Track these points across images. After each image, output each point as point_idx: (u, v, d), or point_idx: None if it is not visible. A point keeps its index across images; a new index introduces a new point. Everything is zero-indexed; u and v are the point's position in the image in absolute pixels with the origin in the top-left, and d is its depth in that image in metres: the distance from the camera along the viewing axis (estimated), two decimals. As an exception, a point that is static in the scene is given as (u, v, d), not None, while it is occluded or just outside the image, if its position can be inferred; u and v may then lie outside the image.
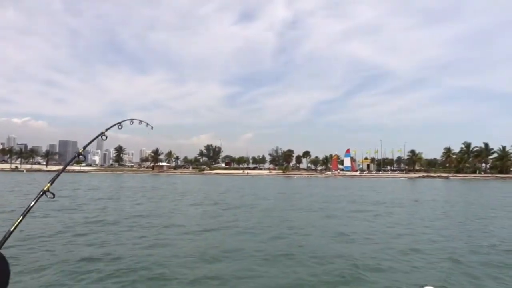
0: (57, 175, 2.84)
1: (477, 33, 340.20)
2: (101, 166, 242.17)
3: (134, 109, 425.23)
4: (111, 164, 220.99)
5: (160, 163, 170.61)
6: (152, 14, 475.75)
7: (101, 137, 3.45)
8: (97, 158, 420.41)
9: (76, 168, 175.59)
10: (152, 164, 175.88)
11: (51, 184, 2.69)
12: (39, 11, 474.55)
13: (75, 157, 3.16)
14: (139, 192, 40.46)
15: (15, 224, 2.42)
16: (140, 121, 4.01)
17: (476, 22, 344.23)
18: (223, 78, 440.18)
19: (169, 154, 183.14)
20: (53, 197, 2.64)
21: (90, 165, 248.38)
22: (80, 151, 3.19)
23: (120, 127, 3.82)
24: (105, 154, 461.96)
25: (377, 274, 9.51)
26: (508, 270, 10.05)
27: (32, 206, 2.58)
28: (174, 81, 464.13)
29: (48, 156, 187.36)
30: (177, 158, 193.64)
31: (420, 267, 10.28)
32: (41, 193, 2.62)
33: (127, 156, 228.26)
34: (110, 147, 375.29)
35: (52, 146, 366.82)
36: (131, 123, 3.90)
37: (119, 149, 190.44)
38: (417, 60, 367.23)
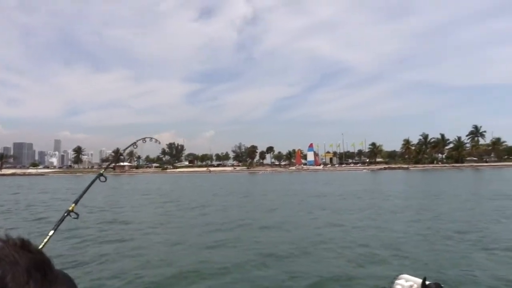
0: (81, 196, 2.83)
1: (430, 29, 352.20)
2: (60, 168, 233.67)
3: (92, 108, 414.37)
4: (70, 166, 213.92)
5: (122, 163, 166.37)
6: (109, 10, 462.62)
7: (119, 156, 3.20)
8: (54, 160, 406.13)
9: (33, 171, 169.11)
10: (113, 165, 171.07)
11: (75, 204, 2.70)
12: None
13: (95, 179, 3.09)
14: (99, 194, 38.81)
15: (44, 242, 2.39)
16: (151, 139, 4.23)
17: (429, 17, 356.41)
18: (184, 75, 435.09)
19: (131, 154, 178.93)
20: (77, 218, 2.64)
21: (47, 167, 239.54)
22: (102, 172, 3.12)
23: (135, 146, 3.98)
24: (63, 156, 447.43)
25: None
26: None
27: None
28: (134, 79, 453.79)
29: (2, 159, 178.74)
30: (139, 157, 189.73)
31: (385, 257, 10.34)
32: (65, 214, 2.62)
33: (86, 157, 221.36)
34: (68, 148, 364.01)
35: (6, 148, 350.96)
36: (144, 141, 4.10)
37: (78, 150, 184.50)
38: (374, 55, 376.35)
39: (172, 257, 10.75)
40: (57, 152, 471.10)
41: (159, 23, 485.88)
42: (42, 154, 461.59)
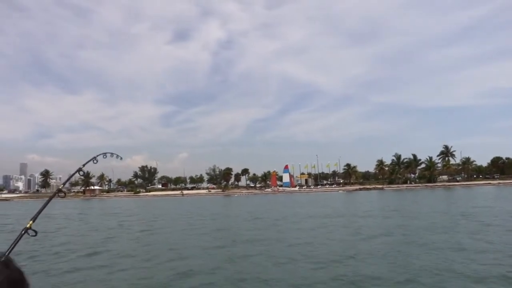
0: (39, 212, 2.57)
1: (396, 53, 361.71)
2: (26, 192, 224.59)
3: (62, 131, 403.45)
4: (37, 190, 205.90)
5: (92, 187, 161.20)
6: (81, 33, 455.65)
7: (78, 172, 3.39)
8: (20, 184, 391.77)
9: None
10: (83, 188, 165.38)
11: (33, 221, 2.45)
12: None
13: (53, 195, 2.88)
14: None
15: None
16: (112, 154, 4.11)
17: (395, 42, 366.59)
18: (157, 98, 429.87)
19: (101, 177, 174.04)
20: (35, 235, 2.37)
21: (13, 191, 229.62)
22: (60, 187, 2.96)
23: (95, 161, 3.69)
24: (29, 180, 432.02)
25: None
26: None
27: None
28: (106, 101, 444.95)
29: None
30: (110, 181, 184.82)
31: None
32: (23, 231, 2.38)
33: (54, 181, 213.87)
34: (35, 172, 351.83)
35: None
36: (105, 156, 3.95)
37: (46, 174, 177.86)
38: (344, 78, 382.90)
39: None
40: (23, 176, 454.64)
41: (132, 45, 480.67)
42: (7, 178, 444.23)
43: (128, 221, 36.62)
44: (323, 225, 25.12)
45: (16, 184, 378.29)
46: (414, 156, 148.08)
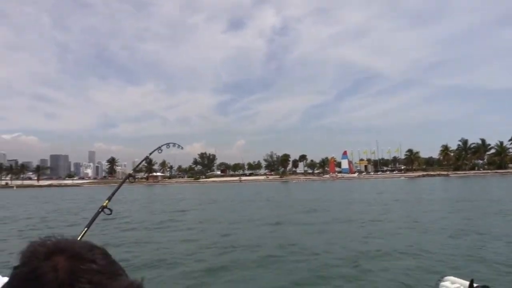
0: (113, 193, 3.05)
1: (462, 33, 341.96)
2: (94, 179, 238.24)
3: (125, 121, 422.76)
4: (104, 177, 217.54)
5: (155, 173, 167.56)
6: (141, 26, 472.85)
7: (146, 161, 3.95)
8: (89, 171, 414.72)
9: (68, 182, 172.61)
10: (146, 175, 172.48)
11: (109, 201, 2.89)
12: (27, 27, 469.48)
13: (126, 178, 3.41)
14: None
15: (80, 236, 2.51)
16: (174, 144, 4.46)
17: (460, 22, 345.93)
18: (214, 87, 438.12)
19: (163, 164, 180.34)
20: (110, 213, 2.81)
21: (82, 178, 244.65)
22: (131, 172, 3.58)
23: (160, 151, 4.16)
24: (97, 167, 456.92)
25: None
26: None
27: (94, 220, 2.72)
28: (165, 92, 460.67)
29: (39, 171, 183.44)
30: (171, 167, 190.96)
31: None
32: (100, 209, 2.78)
33: (120, 168, 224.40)
34: (102, 159, 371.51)
35: (43, 161, 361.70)
36: (168, 146, 4.31)
37: (112, 161, 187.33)
38: (405, 61, 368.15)
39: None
40: (91, 163, 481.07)
41: (189, 36, 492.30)
42: (77, 165, 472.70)
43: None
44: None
45: (85, 171, 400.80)
46: (483, 140, 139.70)
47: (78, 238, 2.23)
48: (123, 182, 3.28)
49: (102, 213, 2.75)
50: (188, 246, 13.70)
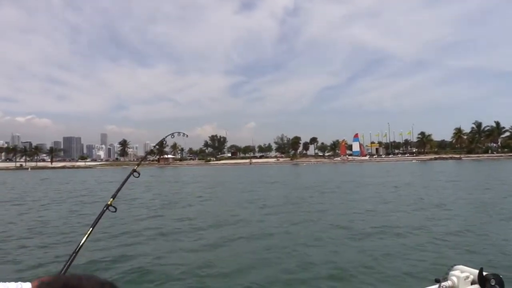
0: (118, 191, 2.98)
1: (476, 14, 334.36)
2: (106, 160, 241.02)
3: (137, 103, 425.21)
4: (117, 159, 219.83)
5: (166, 156, 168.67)
6: (152, 6, 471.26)
7: (153, 150, 3.50)
8: (102, 153, 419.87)
9: (81, 163, 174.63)
10: (157, 157, 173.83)
11: (113, 198, 2.84)
12: (39, 8, 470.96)
13: (130, 174, 3.19)
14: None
15: (86, 235, 2.53)
16: (179, 133, 4.43)
17: (474, 2, 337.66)
18: (225, 68, 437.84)
19: (174, 147, 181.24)
20: (115, 211, 2.78)
21: (95, 160, 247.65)
22: (135, 168, 3.24)
23: (165, 142, 4.31)
24: (109, 149, 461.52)
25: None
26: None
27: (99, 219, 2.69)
28: (176, 73, 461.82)
29: (53, 153, 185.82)
30: (182, 150, 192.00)
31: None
32: (104, 208, 2.77)
33: (131, 150, 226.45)
34: (114, 141, 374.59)
35: (56, 143, 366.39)
36: (173, 136, 4.31)
37: (124, 143, 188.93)
38: (418, 42, 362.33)
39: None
40: (103, 146, 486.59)
41: (200, 17, 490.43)
42: (90, 147, 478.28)
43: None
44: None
45: (98, 153, 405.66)
46: (497, 123, 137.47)
47: (84, 238, 2.45)
48: (127, 179, 3.20)
49: (107, 211, 2.76)
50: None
